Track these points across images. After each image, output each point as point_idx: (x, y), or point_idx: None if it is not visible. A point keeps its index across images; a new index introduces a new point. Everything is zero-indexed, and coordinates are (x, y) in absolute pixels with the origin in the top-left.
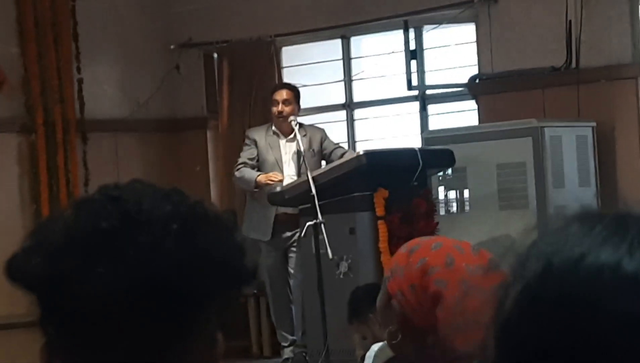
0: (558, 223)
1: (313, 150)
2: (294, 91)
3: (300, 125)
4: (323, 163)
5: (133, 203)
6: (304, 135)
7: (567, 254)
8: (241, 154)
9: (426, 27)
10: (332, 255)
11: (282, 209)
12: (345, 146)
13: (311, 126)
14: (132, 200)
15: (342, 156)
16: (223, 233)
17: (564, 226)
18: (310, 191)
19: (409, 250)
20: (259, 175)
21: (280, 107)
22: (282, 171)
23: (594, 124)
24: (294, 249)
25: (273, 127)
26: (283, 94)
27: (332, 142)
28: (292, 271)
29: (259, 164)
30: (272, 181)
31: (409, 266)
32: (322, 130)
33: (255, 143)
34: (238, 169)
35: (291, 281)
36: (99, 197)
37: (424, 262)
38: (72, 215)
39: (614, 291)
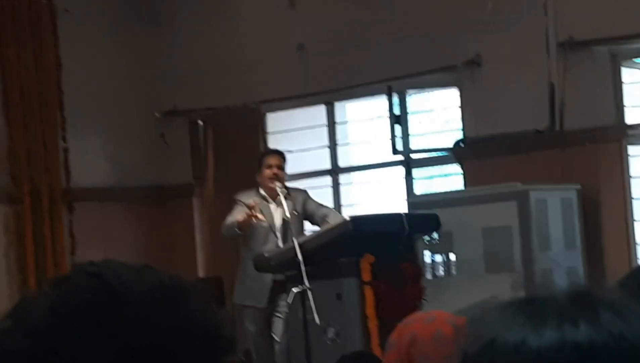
0: (486, 310)
1: (296, 211)
2: (284, 157)
3: (286, 189)
4: (307, 223)
5: (113, 277)
6: (288, 199)
7: (482, 338)
8: (231, 213)
9: (410, 92)
10: (319, 321)
11: (278, 276)
12: None
13: (294, 188)
14: (112, 274)
15: (325, 216)
16: (202, 303)
17: (487, 314)
18: (297, 257)
19: (404, 324)
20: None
21: (275, 170)
22: (275, 236)
23: (579, 186)
24: (277, 314)
25: (261, 191)
26: (277, 160)
27: (314, 202)
28: (276, 337)
29: (251, 229)
30: (252, 216)
31: (400, 340)
32: (305, 191)
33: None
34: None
35: (276, 347)
36: (78, 274)
37: (413, 335)
38: (53, 293)
39: None
